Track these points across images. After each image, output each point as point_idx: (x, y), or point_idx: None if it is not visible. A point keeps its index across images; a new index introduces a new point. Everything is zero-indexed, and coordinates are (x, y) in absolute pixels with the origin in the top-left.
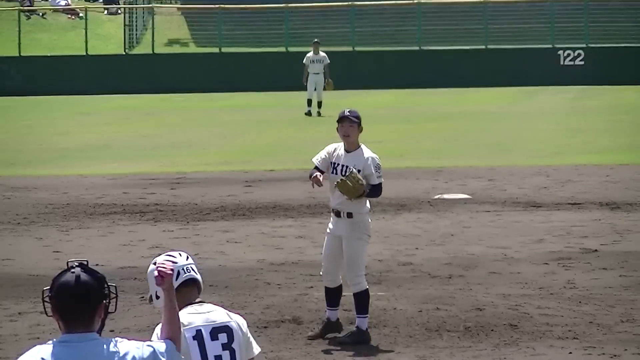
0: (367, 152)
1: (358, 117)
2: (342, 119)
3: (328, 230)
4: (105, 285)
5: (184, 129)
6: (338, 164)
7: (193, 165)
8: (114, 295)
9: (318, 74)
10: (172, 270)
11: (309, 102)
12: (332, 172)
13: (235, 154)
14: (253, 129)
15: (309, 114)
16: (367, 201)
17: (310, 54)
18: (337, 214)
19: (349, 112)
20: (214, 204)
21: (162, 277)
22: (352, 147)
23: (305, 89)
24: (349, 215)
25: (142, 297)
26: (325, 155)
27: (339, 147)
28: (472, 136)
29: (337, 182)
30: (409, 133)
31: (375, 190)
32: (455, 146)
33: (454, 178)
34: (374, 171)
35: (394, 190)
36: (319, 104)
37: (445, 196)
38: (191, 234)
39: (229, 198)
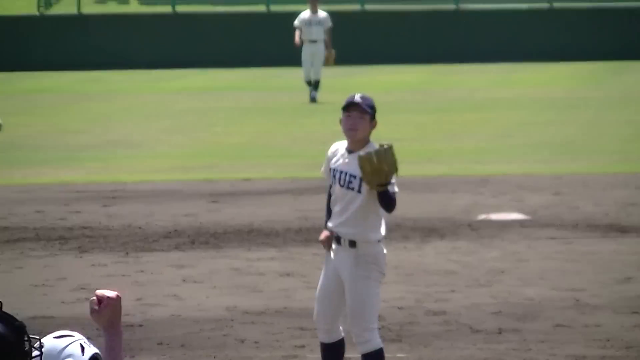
0: None
1: (372, 107)
2: (349, 107)
3: (325, 264)
4: (26, 339)
5: (122, 121)
6: (338, 171)
7: (136, 172)
8: (38, 353)
9: (316, 41)
10: (117, 295)
11: (308, 83)
12: (332, 181)
13: (195, 156)
14: (221, 122)
15: (313, 100)
16: (383, 224)
17: (305, 14)
18: (337, 239)
19: (360, 97)
20: (165, 228)
21: (101, 305)
22: (357, 146)
23: (298, 61)
24: (352, 244)
25: None
26: (326, 165)
27: (341, 147)
28: (529, 131)
29: (361, 155)
30: (441, 127)
31: (389, 202)
32: (506, 146)
33: (505, 191)
34: None
35: (420, 208)
36: (315, 85)
37: (493, 217)
38: (132, 269)
39: (186, 219)
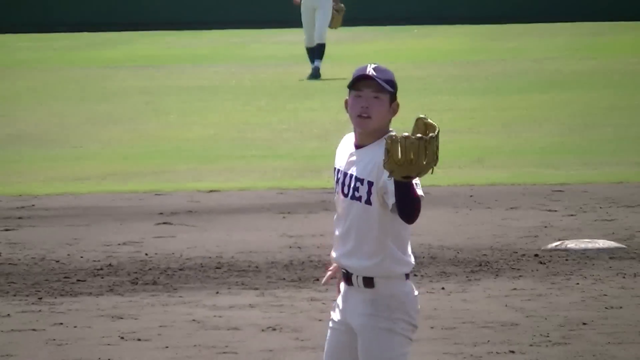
0: None
1: (392, 83)
2: (360, 83)
3: (333, 314)
4: None
5: (32, 106)
6: (341, 173)
7: (52, 180)
8: None
9: None
10: None
11: (310, 50)
12: (335, 188)
13: (139, 157)
14: (176, 107)
15: (315, 74)
16: (409, 250)
17: None
18: (347, 277)
19: (374, 69)
20: (95, 261)
21: None
22: (369, 138)
23: (288, 21)
24: (368, 282)
25: None
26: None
27: (349, 141)
28: (621, 120)
29: (393, 136)
30: (495, 114)
31: (411, 203)
32: (588, 141)
33: (589, 207)
34: None
35: (465, 232)
36: (319, 50)
37: (571, 244)
38: (48, 322)
39: (125, 249)
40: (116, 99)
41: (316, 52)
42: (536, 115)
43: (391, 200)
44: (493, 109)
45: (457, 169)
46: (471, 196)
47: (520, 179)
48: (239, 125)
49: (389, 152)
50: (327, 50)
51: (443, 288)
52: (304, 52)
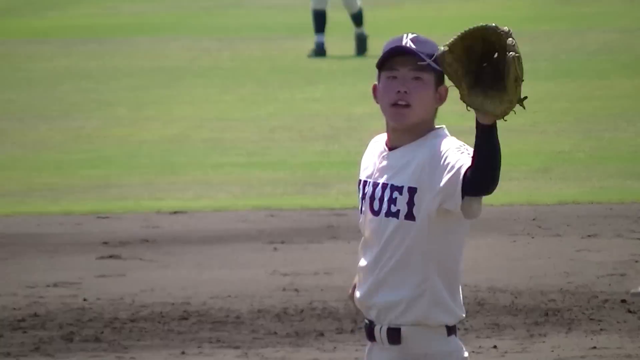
0: (447, 142)
1: (434, 57)
2: (393, 59)
3: None
4: None
5: None
6: (369, 184)
7: None
8: None
9: None
10: None
11: (319, 16)
12: (360, 207)
13: (74, 166)
14: (127, 96)
15: (319, 51)
16: (458, 292)
17: None
18: (369, 330)
19: (412, 40)
20: (14, 309)
21: None
22: (408, 135)
23: None
24: (392, 336)
25: None
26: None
27: (379, 144)
28: None
29: (512, 57)
30: (567, 107)
31: (497, 158)
32: None
33: None
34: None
35: (525, 269)
36: (357, 19)
37: None
38: None
39: (55, 291)
40: (44, 85)
41: (354, 19)
42: (623, 107)
43: (457, 200)
44: (564, 99)
45: (515, 181)
46: (534, 219)
47: (601, 196)
48: (213, 122)
49: (517, 79)
50: (337, 19)
51: (495, 347)
52: (308, 18)
